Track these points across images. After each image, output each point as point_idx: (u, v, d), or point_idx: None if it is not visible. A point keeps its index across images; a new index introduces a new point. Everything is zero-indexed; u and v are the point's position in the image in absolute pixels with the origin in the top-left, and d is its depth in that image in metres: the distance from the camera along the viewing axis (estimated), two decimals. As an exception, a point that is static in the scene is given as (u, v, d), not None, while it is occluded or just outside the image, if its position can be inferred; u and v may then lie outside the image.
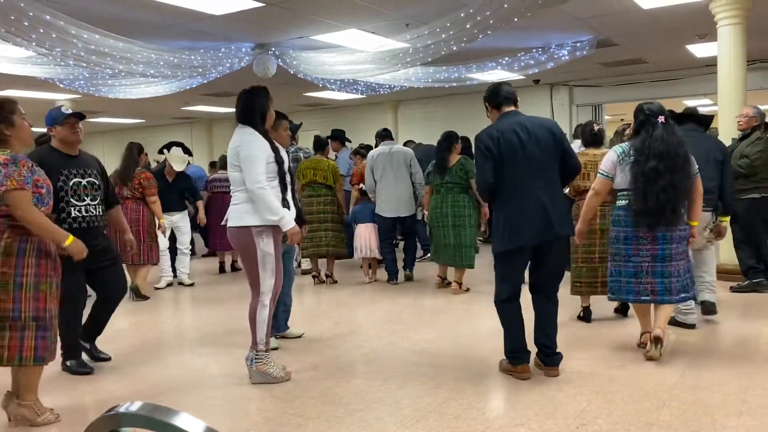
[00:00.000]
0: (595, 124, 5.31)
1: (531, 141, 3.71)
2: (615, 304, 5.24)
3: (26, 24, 5.83)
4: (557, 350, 3.84)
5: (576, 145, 5.72)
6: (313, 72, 9.04)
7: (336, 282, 7.22)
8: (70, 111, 4.01)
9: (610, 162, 4.05)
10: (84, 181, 4.03)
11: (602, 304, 5.31)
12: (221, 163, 8.87)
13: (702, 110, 19.94)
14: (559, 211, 3.74)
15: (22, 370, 3.19)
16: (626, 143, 4.10)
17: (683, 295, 4.04)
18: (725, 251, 6.56)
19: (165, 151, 7.48)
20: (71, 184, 3.97)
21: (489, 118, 4.00)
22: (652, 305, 4.18)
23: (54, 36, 6.15)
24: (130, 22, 7.10)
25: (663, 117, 3.93)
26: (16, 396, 3.25)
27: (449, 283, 6.64)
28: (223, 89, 12.14)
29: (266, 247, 3.72)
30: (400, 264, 7.28)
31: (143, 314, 6.06)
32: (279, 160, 3.76)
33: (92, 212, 4.06)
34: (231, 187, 3.84)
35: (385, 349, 4.51)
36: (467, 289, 6.51)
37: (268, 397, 3.59)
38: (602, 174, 4.09)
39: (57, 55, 6.67)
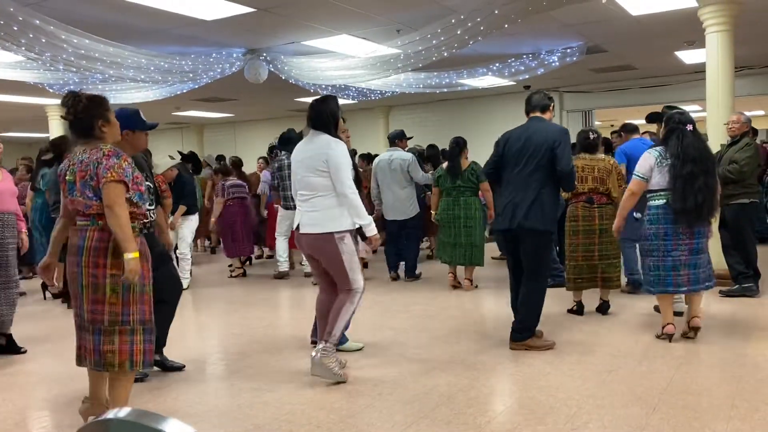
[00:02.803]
0: (590, 132, 5.66)
1: (525, 146, 4.32)
2: (570, 304, 5.55)
3: (15, 29, 5.80)
4: (521, 330, 4.39)
5: None
6: (304, 77, 9.05)
7: None
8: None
9: (647, 165, 4.44)
10: (149, 184, 3.90)
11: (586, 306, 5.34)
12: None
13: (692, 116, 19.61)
14: (527, 207, 4.26)
15: (120, 377, 3.10)
16: (660, 147, 4.49)
17: (707, 283, 4.49)
18: (714, 256, 6.58)
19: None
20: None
21: None
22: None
23: (44, 41, 6.13)
24: (121, 26, 7.08)
25: (691, 125, 4.38)
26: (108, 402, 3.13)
27: (459, 283, 6.93)
28: (214, 94, 12.13)
29: (349, 248, 3.83)
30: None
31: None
32: (355, 166, 3.96)
33: (153, 216, 3.90)
34: (304, 193, 3.84)
35: (376, 354, 4.50)
36: (476, 286, 6.90)
37: (258, 404, 3.58)
38: (638, 176, 4.48)
39: (47, 60, 6.65)
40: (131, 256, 2.94)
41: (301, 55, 8.75)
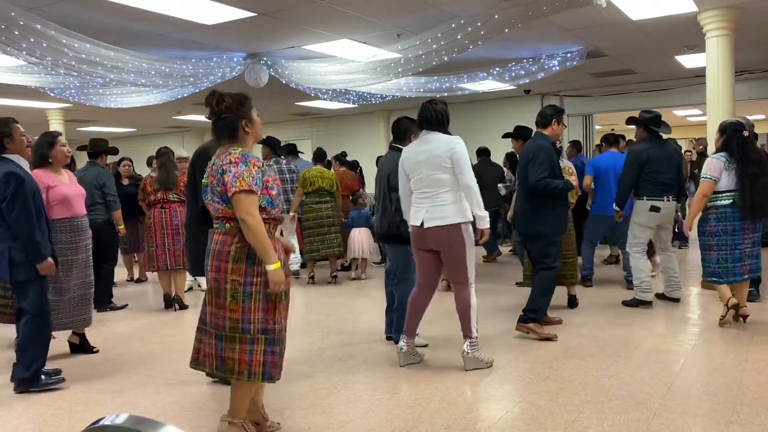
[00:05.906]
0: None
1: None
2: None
3: (17, 33, 5.81)
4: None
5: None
6: (304, 82, 9.05)
7: (335, 282, 7.81)
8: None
9: (718, 168, 4.89)
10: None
11: (590, 307, 5.32)
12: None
13: (691, 120, 19.83)
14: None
15: (238, 384, 3.01)
16: (723, 153, 4.92)
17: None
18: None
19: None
20: None
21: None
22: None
23: (45, 45, 6.14)
24: (122, 31, 7.10)
25: (746, 131, 4.89)
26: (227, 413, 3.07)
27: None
28: (215, 99, 12.11)
29: (471, 240, 4.12)
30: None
31: (148, 321, 6.02)
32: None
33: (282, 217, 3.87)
34: (427, 190, 4.07)
35: (376, 359, 4.49)
36: None
37: (258, 408, 3.57)
38: (710, 178, 4.89)
39: (48, 64, 6.65)
40: (272, 267, 2.83)
41: (301, 60, 8.76)
